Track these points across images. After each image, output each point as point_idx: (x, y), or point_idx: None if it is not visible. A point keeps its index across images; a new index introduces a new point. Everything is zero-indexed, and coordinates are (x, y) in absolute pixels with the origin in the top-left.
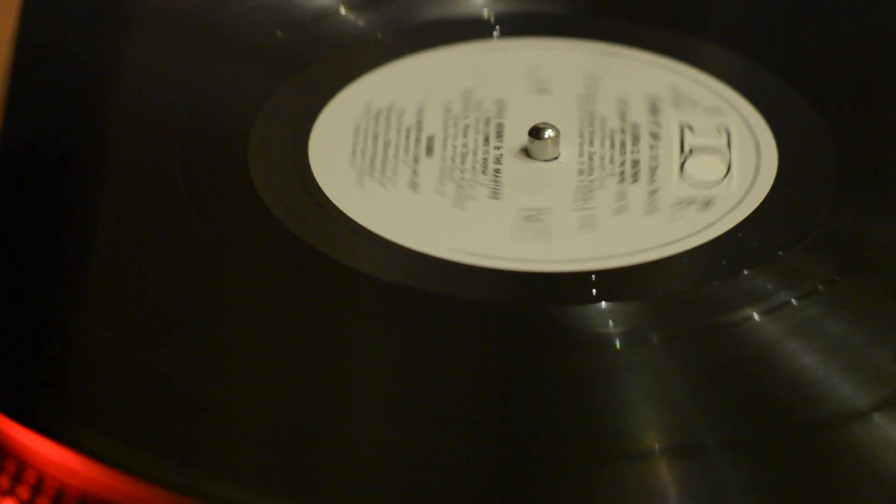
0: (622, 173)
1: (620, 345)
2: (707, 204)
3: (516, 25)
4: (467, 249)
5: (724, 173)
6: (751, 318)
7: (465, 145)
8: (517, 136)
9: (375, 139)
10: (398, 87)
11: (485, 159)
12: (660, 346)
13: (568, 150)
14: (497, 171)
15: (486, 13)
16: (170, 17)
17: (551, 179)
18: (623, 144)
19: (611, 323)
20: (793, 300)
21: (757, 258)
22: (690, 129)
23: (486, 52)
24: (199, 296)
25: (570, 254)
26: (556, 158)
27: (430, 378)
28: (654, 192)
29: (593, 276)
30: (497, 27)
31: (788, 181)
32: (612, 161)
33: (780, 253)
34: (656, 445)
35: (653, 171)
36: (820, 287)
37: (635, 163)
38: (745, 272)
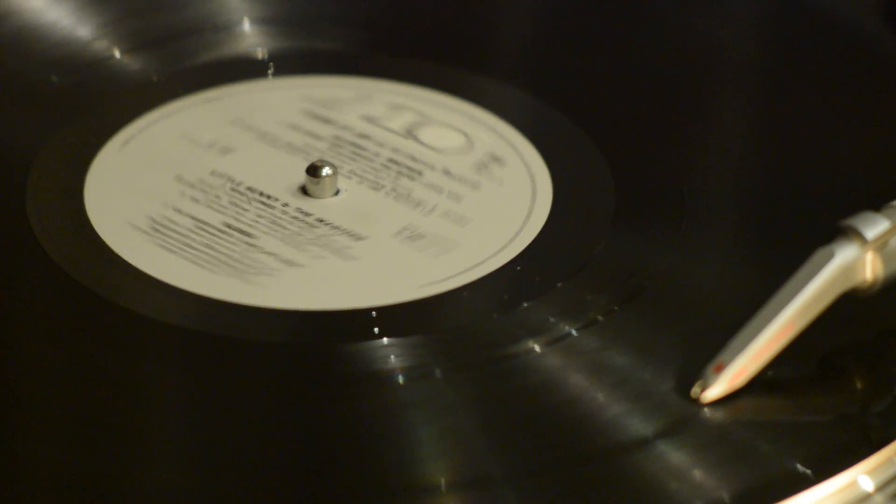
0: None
1: (404, 380)
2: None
3: (292, 63)
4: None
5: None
6: (532, 350)
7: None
8: (296, 174)
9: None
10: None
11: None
12: (443, 380)
13: (347, 187)
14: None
15: (260, 52)
16: None
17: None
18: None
19: (393, 358)
20: (573, 331)
21: (536, 291)
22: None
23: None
24: None
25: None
26: (335, 195)
27: (217, 420)
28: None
29: (374, 312)
30: (272, 66)
31: (565, 213)
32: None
33: (559, 285)
34: (443, 479)
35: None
36: (599, 318)
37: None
38: (525, 305)
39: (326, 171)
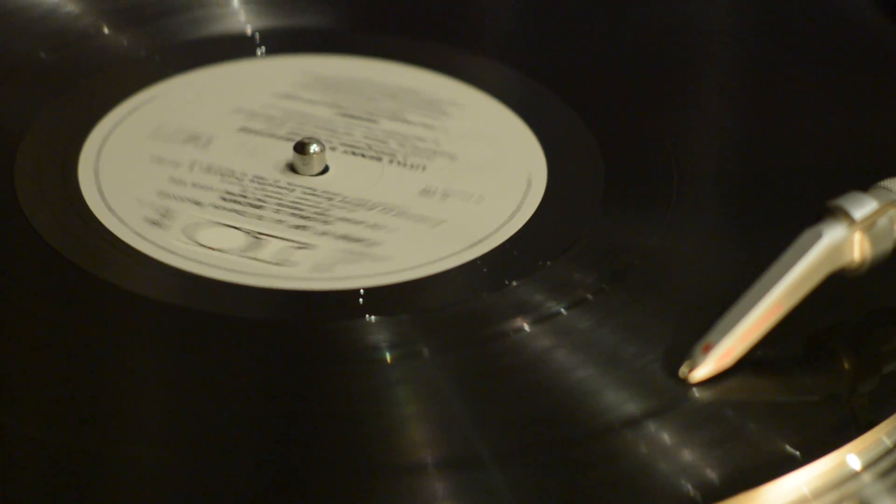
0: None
1: (391, 359)
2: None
3: (281, 41)
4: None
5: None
6: (521, 328)
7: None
8: (284, 151)
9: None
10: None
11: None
12: (431, 360)
13: (336, 165)
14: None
15: (249, 30)
16: None
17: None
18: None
19: (381, 338)
20: (562, 310)
21: (526, 269)
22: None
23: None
24: None
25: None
26: (323, 173)
27: (205, 397)
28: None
29: (363, 291)
30: (262, 45)
31: (556, 191)
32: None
33: (549, 263)
34: (430, 459)
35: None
36: (589, 296)
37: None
38: (515, 283)
39: (314, 147)
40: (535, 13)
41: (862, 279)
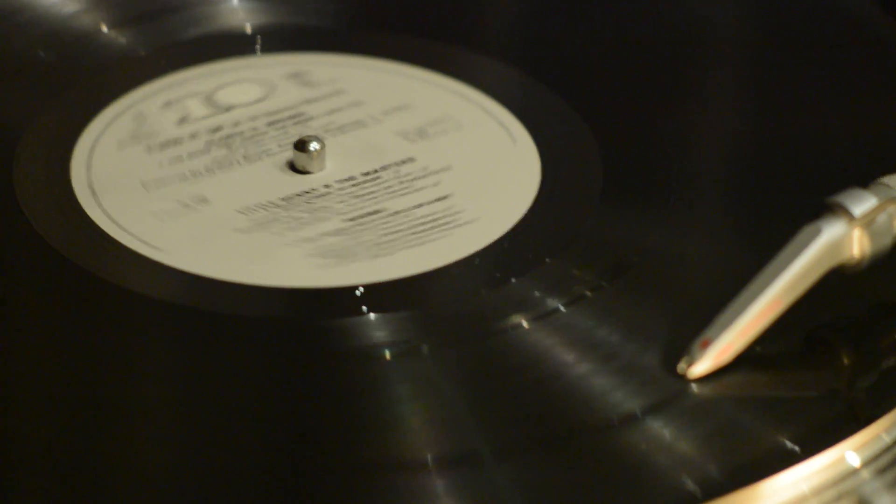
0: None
1: (391, 356)
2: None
3: (280, 39)
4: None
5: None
6: (520, 325)
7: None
8: (282, 150)
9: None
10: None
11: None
12: (430, 357)
13: (333, 164)
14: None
15: (248, 28)
16: None
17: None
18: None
19: (380, 334)
20: (561, 307)
21: (524, 266)
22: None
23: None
24: None
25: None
26: (320, 171)
27: (205, 395)
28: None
29: (361, 288)
30: (259, 42)
31: (553, 189)
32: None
33: (547, 260)
34: (430, 455)
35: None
36: (588, 293)
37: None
38: (513, 280)
39: (314, 145)
40: (533, 11)
41: (861, 275)
